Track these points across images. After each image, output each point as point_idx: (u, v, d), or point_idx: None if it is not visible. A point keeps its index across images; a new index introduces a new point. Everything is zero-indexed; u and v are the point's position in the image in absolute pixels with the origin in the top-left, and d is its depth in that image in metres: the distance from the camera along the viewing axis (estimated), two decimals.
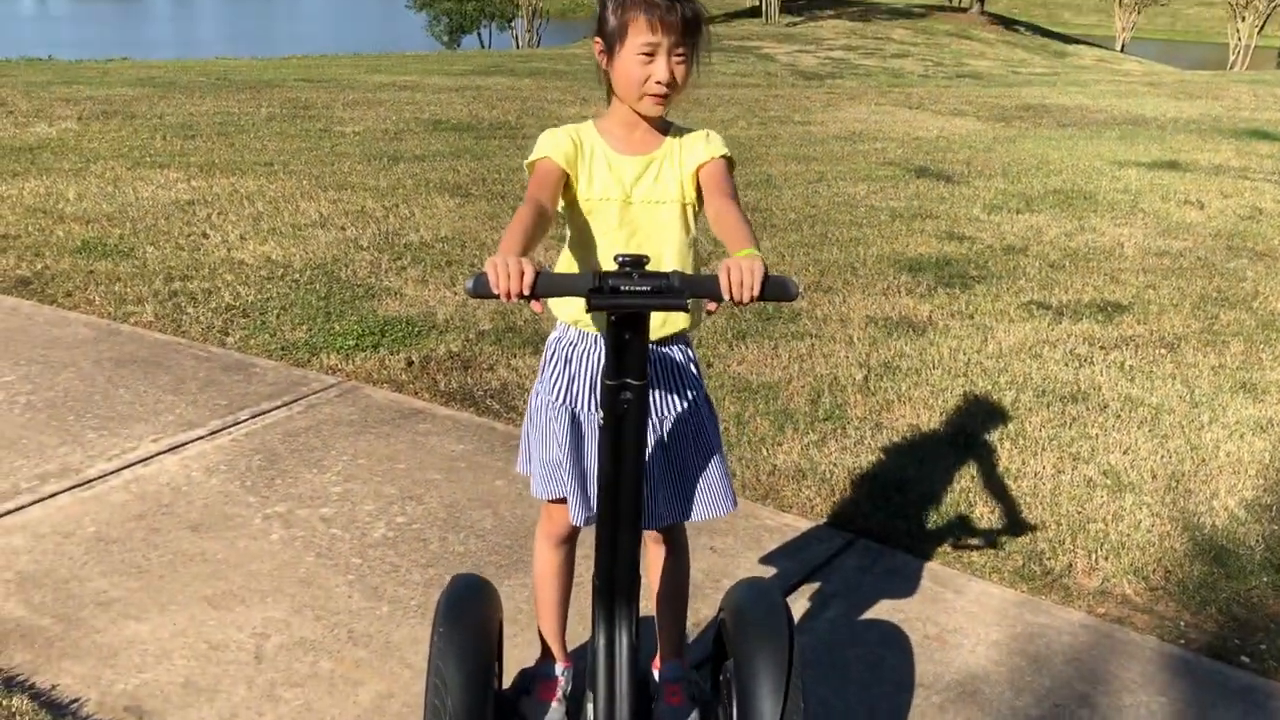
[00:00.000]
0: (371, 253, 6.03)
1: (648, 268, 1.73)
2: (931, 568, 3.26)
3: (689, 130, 2.12)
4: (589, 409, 2.12)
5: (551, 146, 2.04)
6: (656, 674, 2.39)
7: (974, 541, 3.38)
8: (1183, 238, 7.43)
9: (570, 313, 2.13)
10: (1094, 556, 3.30)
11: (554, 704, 2.31)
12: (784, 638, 2.01)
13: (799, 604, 3.06)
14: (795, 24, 30.27)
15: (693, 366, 2.20)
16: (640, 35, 1.94)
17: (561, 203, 2.06)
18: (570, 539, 2.32)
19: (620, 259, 1.73)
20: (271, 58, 19.93)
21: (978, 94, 17.43)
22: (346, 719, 2.54)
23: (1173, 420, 4.28)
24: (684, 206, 2.09)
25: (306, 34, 36.08)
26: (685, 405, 2.18)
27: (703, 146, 2.08)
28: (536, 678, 2.38)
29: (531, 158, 2.05)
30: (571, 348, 2.16)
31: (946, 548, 3.35)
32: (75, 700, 2.55)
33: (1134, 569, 3.25)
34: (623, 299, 1.70)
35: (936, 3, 43.72)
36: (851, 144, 11.04)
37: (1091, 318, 5.53)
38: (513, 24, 36.24)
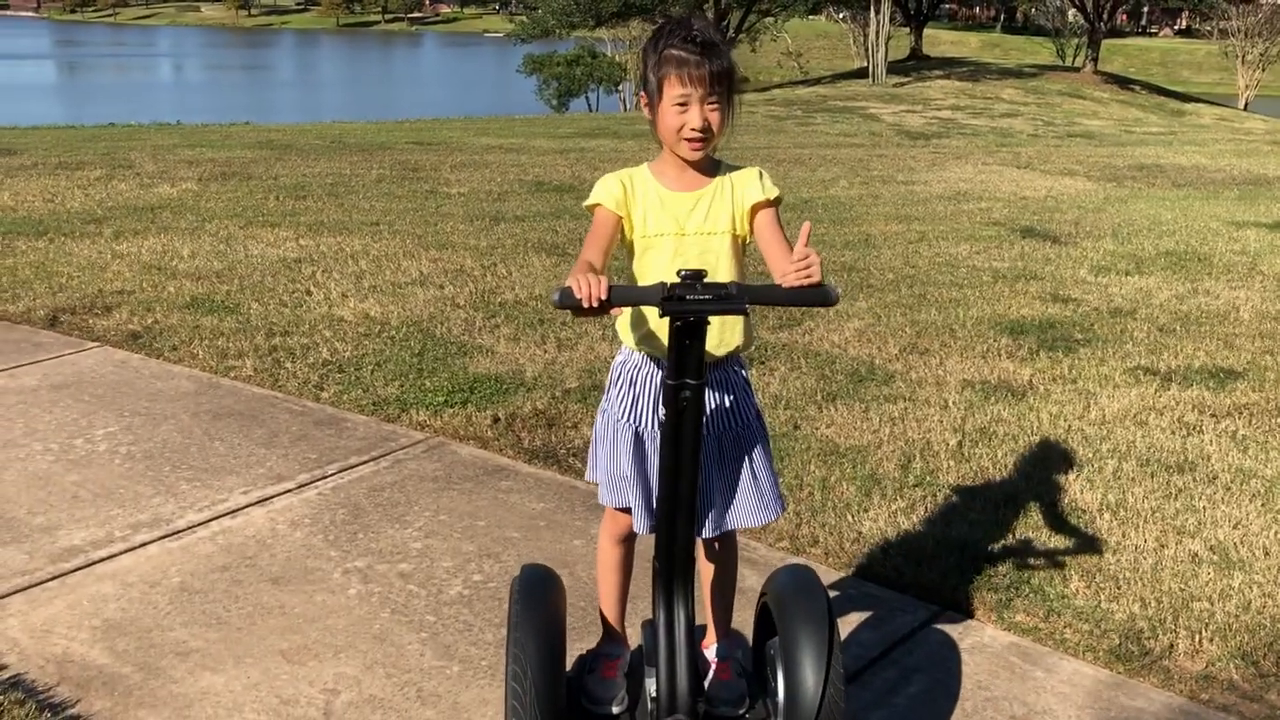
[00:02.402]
0: (467, 310, 6.11)
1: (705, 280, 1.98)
2: (1021, 644, 3.11)
3: (737, 167, 2.32)
4: (651, 427, 2.31)
5: (605, 193, 2.26)
6: (708, 652, 2.57)
7: (1068, 618, 3.22)
8: None
9: (635, 338, 2.33)
10: (1198, 638, 3.12)
11: (616, 679, 2.52)
12: (825, 616, 2.23)
13: (879, 677, 2.95)
14: (903, 84, 30.12)
15: (745, 384, 2.40)
16: (674, 89, 2.17)
17: (619, 241, 2.29)
18: (630, 538, 2.52)
19: (683, 274, 1.96)
20: (385, 121, 20.59)
21: (1089, 153, 17.07)
22: None
23: None
24: (735, 237, 2.29)
25: (424, 99, 37.24)
26: (740, 421, 2.37)
27: (758, 186, 2.28)
28: (600, 657, 2.59)
29: (589, 201, 2.28)
30: (636, 370, 2.35)
31: (1039, 624, 3.20)
32: None
33: (1242, 653, 3.06)
34: (690, 305, 1.94)
35: (1049, 62, 43.13)
36: (955, 204, 10.88)
37: (1202, 384, 5.30)
38: (619, 88, 36.88)
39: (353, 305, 6.16)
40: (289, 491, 3.93)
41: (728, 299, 1.96)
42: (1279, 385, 5.31)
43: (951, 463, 4.25)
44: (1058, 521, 3.79)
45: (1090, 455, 4.36)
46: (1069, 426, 4.66)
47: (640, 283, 2.24)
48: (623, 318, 2.31)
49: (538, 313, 6.11)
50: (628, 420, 2.34)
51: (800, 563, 2.61)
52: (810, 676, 2.15)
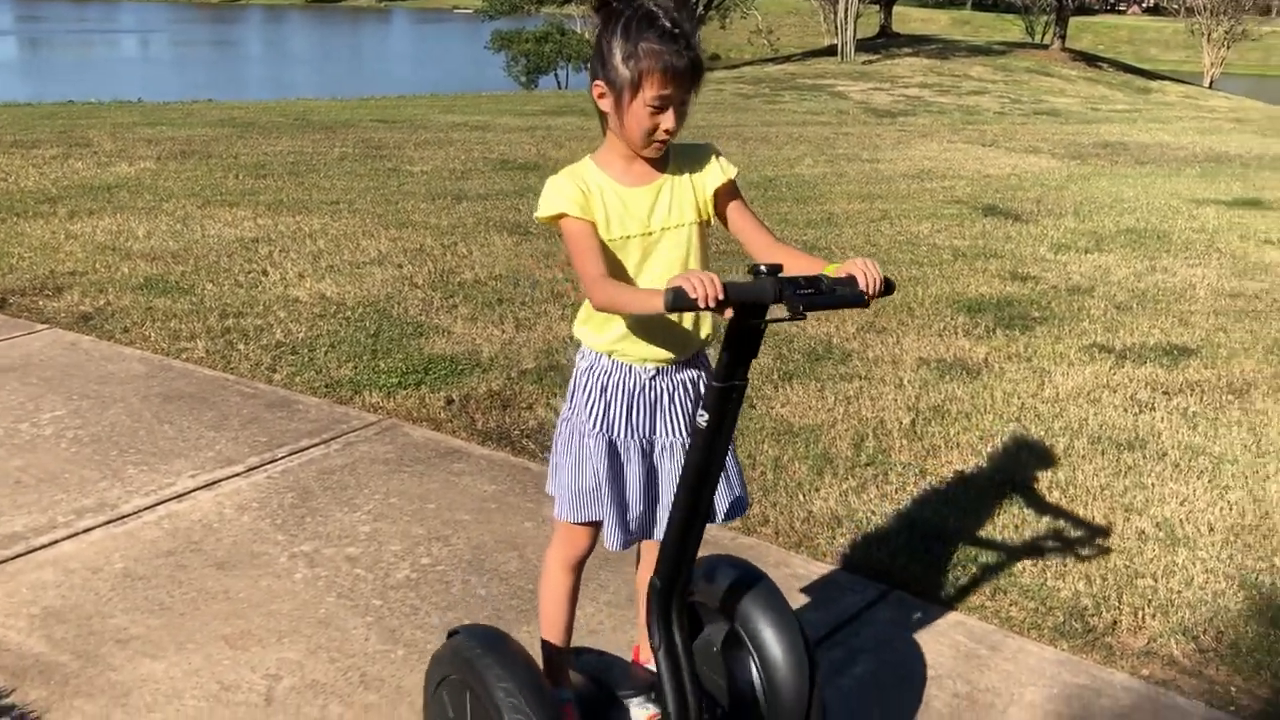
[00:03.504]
0: (425, 290, 6.07)
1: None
2: (968, 623, 3.13)
3: (682, 145, 2.15)
4: (625, 435, 2.18)
5: (566, 200, 2.05)
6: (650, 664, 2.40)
7: (1014, 596, 3.24)
8: (1260, 278, 7.16)
9: (605, 343, 2.17)
10: (1141, 614, 3.14)
11: None
12: (776, 591, 2.25)
13: (826, 658, 2.95)
14: (871, 62, 30.09)
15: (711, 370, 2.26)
16: (654, 89, 1.98)
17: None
18: (583, 563, 2.35)
19: (760, 268, 1.82)
20: (351, 98, 20.38)
21: (1054, 131, 17.14)
22: None
23: (1235, 470, 4.09)
24: (701, 225, 2.15)
25: (391, 76, 36.88)
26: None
27: (716, 168, 2.15)
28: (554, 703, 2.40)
29: (547, 212, 2.07)
30: (606, 377, 2.18)
31: (985, 602, 3.22)
32: None
33: (1183, 628, 3.09)
34: (824, 299, 1.83)
35: (1018, 39, 43.22)
36: (919, 182, 10.90)
37: (1156, 361, 5.33)
38: (589, 64, 36.61)
39: (309, 286, 6.10)
40: (238, 475, 3.89)
41: (853, 292, 1.86)
42: (1231, 362, 5.36)
43: (904, 441, 4.26)
44: (1007, 500, 3.81)
45: (1042, 433, 4.38)
46: (1022, 404, 4.69)
47: None
48: (592, 321, 2.17)
49: (497, 292, 6.08)
50: (599, 430, 2.17)
51: (722, 554, 2.50)
52: (790, 654, 2.18)
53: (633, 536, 2.24)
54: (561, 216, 2.06)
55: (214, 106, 17.22)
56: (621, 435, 2.17)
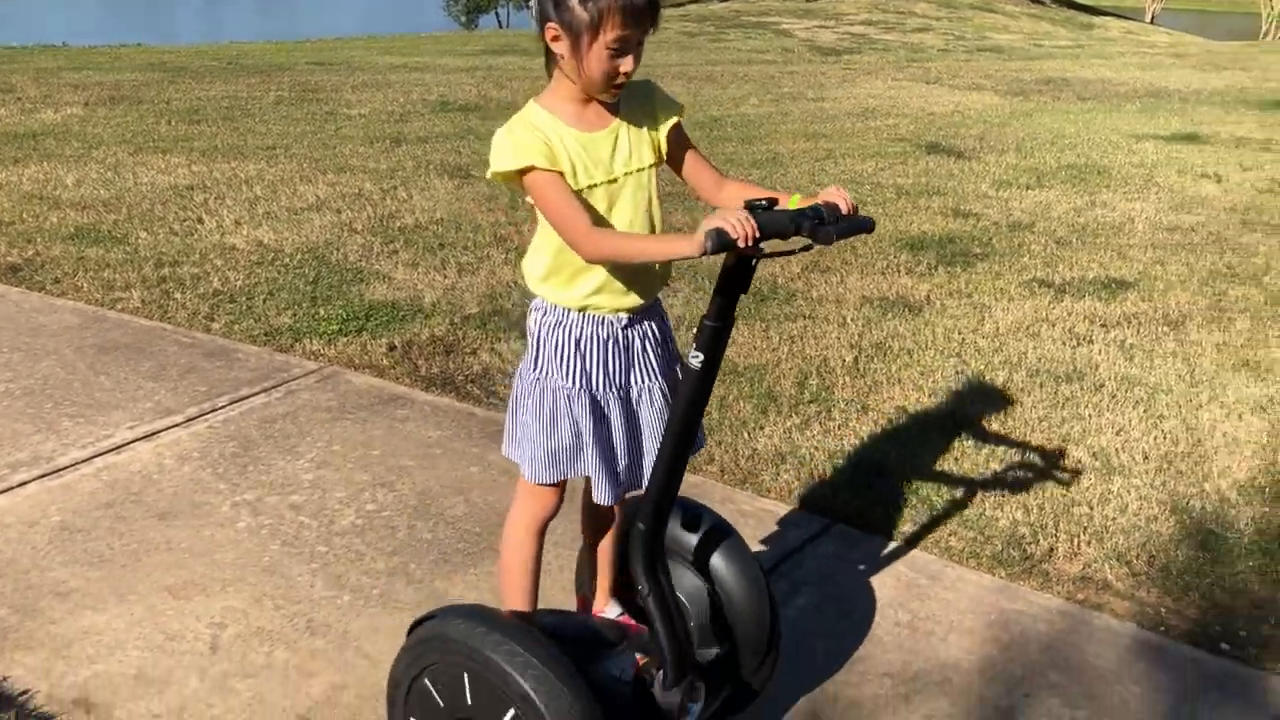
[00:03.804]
0: (364, 236, 5.99)
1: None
2: (909, 554, 3.18)
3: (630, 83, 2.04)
4: (604, 389, 2.11)
5: (533, 152, 1.93)
6: (609, 613, 2.42)
7: (954, 527, 3.30)
8: (1196, 212, 7.27)
9: (577, 298, 2.06)
10: (1076, 541, 3.21)
11: None
12: (729, 527, 2.30)
13: None
14: None
15: (667, 323, 2.23)
16: (614, 30, 1.87)
17: (528, 195, 1.99)
18: (548, 524, 2.28)
19: (757, 203, 1.79)
20: (285, 41, 19.91)
21: (998, 68, 17.18)
22: (297, 710, 2.50)
23: (1170, 400, 4.18)
24: (654, 167, 2.08)
25: (327, 18, 36.04)
26: (672, 367, 2.20)
27: (669, 104, 2.10)
28: None
29: (510, 165, 1.93)
30: (578, 330, 2.09)
31: (926, 533, 3.27)
32: (24, 692, 2.53)
33: (1117, 554, 3.16)
34: (842, 227, 1.81)
35: None
36: (864, 120, 10.90)
37: (1094, 295, 5.41)
38: (530, 3, 36.05)
39: (246, 233, 5.99)
40: (177, 425, 3.84)
41: (863, 217, 1.87)
42: (1167, 295, 5.45)
43: (847, 379, 4.30)
44: (947, 434, 3.87)
45: (982, 367, 4.44)
46: (963, 340, 4.74)
47: (557, 241, 2.01)
48: (558, 276, 2.06)
49: (438, 237, 6.01)
50: (579, 387, 2.09)
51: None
52: (752, 585, 2.25)
53: (622, 487, 2.18)
54: (529, 170, 1.93)
55: (143, 50, 16.76)
56: (601, 388, 2.10)
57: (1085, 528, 3.28)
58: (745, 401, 4.06)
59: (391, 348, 4.50)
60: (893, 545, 3.22)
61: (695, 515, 2.34)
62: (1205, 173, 8.54)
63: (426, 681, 2.09)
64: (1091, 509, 3.39)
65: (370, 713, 2.49)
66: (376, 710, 2.50)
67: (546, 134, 1.96)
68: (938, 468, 3.63)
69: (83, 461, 3.58)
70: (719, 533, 2.33)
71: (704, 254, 1.73)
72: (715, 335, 1.92)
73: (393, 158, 8.08)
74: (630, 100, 2.04)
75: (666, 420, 2.05)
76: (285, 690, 2.56)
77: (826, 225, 1.79)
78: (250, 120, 9.50)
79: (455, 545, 3.16)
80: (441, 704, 2.08)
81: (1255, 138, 10.44)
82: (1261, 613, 2.92)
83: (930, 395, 4.17)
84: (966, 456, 3.70)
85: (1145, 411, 4.07)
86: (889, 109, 11.79)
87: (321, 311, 4.87)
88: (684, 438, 2.02)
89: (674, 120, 2.09)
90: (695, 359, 1.94)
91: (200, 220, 6.21)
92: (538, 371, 2.13)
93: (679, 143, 2.10)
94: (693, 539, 2.30)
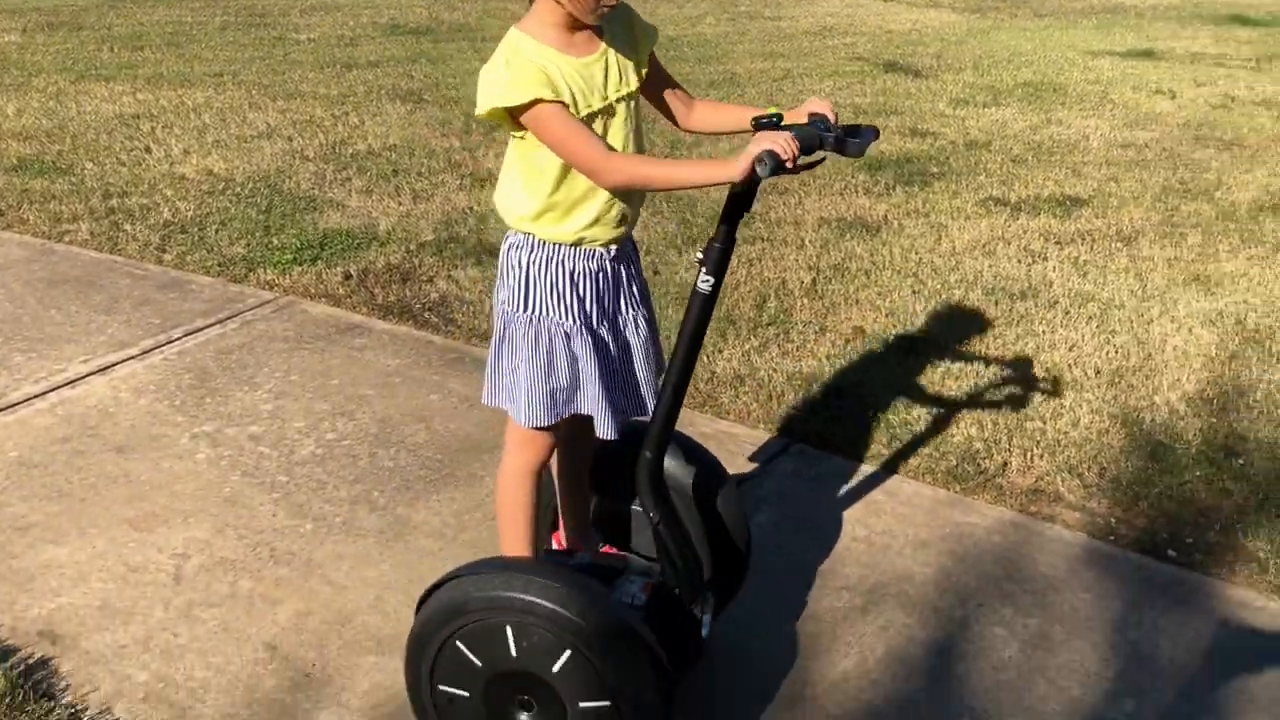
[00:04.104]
0: (316, 163, 5.89)
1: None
2: (866, 471, 3.23)
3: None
4: (598, 323, 2.07)
5: (535, 83, 1.85)
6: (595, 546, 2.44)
7: (911, 444, 3.35)
8: (1150, 128, 7.31)
9: (572, 232, 2.00)
10: (1030, 455, 3.28)
11: None
12: (700, 447, 2.37)
13: None
14: None
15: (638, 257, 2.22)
16: None
17: (518, 131, 1.94)
18: (543, 469, 2.22)
19: (764, 119, 1.81)
20: None
21: None
22: (263, 637, 2.52)
23: (1122, 315, 4.24)
24: (639, 90, 2.04)
25: None
26: (647, 294, 2.20)
27: (645, 27, 2.06)
28: None
29: (512, 101, 1.85)
30: (573, 265, 2.03)
31: (882, 450, 3.32)
32: None
33: (1069, 467, 3.23)
34: (864, 139, 1.84)
35: None
36: (821, 39, 10.80)
37: (1049, 212, 5.45)
38: None
39: (195, 162, 5.87)
40: (132, 359, 3.80)
41: (868, 125, 1.90)
42: (1120, 211, 5.50)
43: (805, 300, 4.32)
44: (904, 353, 3.91)
45: (939, 286, 4.47)
46: (920, 259, 4.77)
47: (552, 176, 1.95)
48: (552, 212, 1.99)
49: (392, 163, 5.93)
50: (578, 323, 2.04)
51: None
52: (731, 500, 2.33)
53: (621, 419, 2.14)
54: (533, 104, 1.85)
55: None
56: (595, 321, 2.07)
57: (1038, 442, 3.35)
58: None
59: (347, 276, 4.46)
60: (850, 463, 3.26)
61: (683, 446, 2.36)
62: (1160, 89, 8.57)
63: (459, 644, 2.01)
64: (1044, 423, 3.45)
65: (336, 637, 2.51)
66: (342, 635, 2.53)
67: (544, 64, 1.88)
68: (894, 387, 3.67)
69: (36, 396, 3.54)
70: (699, 459, 2.36)
71: (751, 179, 1.75)
72: (723, 257, 1.93)
73: (344, 83, 7.93)
74: (611, 24, 1.98)
75: (674, 346, 2.01)
76: (251, 618, 2.58)
77: (848, 138, 1.82)
78: (196, 46, 9.26)
79: (417, 472, 3.17)
80: (480, 663, 2.01)
81: (1209, 53, 10.47)
82: (1207, 520, 3.00)
83: (887, 315, 4.21)
84: (923, 375, 3.75)
85: (1098, 327, 4.13)
86: (847, 27, 11.69)
87: (275, 241, 4.80)
88: (689, 363, 2.02)
89: (655, 41, 2.06)
90: (706, 283, 1.94)
91: (148, 149, 6.08)
92: (530, 311, 2.05)
93: (655, 67, 2.07)
94: (675, 465, 2.31)
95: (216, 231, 4.91)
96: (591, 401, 2.10)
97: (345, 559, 2.79)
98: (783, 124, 1.83)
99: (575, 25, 1.93)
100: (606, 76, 1.95)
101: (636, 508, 2.30)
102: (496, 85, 1.87)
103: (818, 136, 1.81)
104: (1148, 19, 13.10)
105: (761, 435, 3.40)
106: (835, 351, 3.91)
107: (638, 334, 2.15)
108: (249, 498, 3.04)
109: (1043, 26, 12.20)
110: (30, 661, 2.42)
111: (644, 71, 2.03)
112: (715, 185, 1.85)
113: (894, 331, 4.07)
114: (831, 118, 1.91)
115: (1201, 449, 3.33)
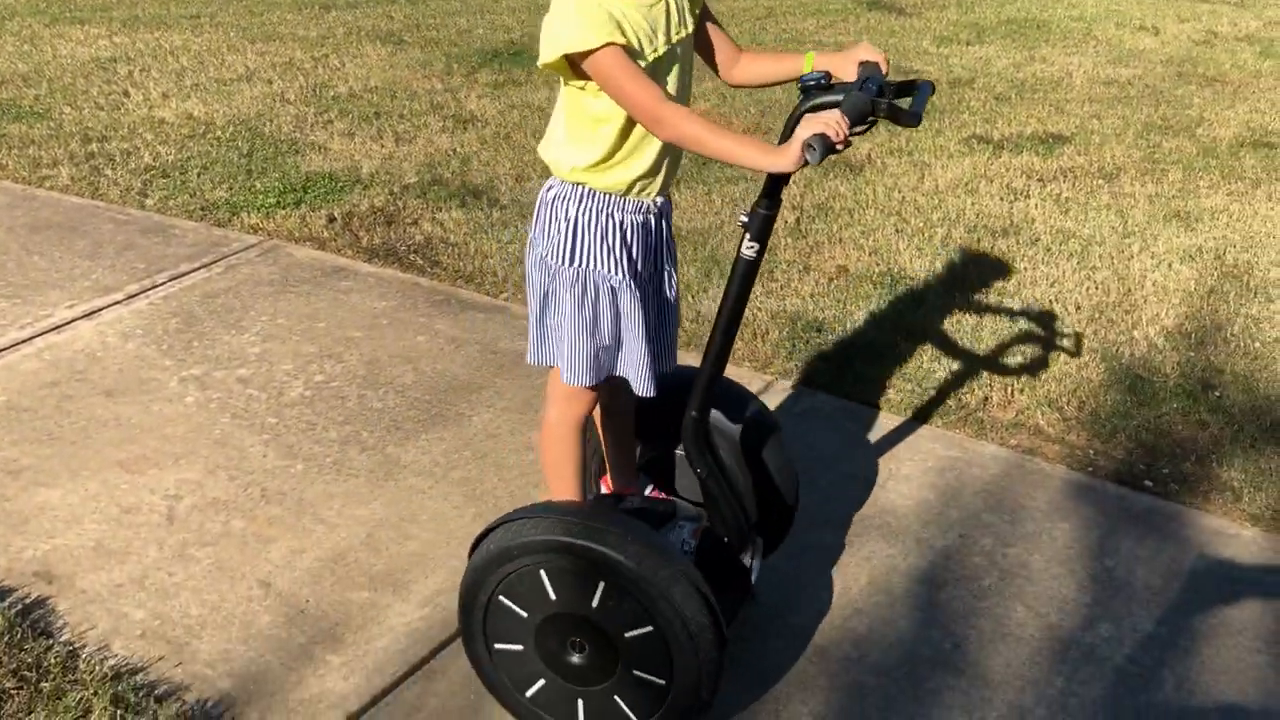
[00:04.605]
0: (298, 106, 5.85)
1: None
2: (849, 406, 3.27)
3: None
4: (645, 276, 2.03)
5: (606, 27, 1.77)
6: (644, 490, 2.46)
7: (894, 380, 3.39)
8: (1133, 65, 7.29)
9: (627, 180, 1.94)
10: (1010, 390, 3.32)
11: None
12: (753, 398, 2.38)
13: None
14: None
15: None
16: None
17: (578, 81, 1.86)
18: (588, 417, 2.21)
19: (812, 80, 1.79)
20: None
21: None
22: (257, 575, 2.56)
23: (1103, 251, 4.27)
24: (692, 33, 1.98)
25: None
26: (674, 253, 2.15)
27: None
28: None
29: (584, 45, 1.77)
30: (622, 216, 1.98)
31: (866, 387, 3.36)
32: None
33: (1049, 400, 3.28)
34: (919, 103, 1.80)
35: None
36: None
37: (1032, 150, 5.46)
38: None
39: (174, 105, 5.82)
40: (118, 303, 3.80)
41: (922, 80, 1.84)
42: (1103, 148, 5.51)
43: (789, 240, 4.33)
44: (886, 291, 3.94)
45: (921, 225, 4.49)
46: (903, 198, 4.78)
47: (614, 125, 1.88)
48: (614, 161, 1.93)
49: (373, 105, 5.88)
50: (627, 277, 1.98)
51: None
52: (784, 476, 2.36)
53: (658, 376, 2.10)
54: (601, 49, 1.77)
55: None
56: (642, 275, 2.02)
57: (1019, 376, 3.39)
58: (690, 265, 4.09)
59: (331, 220, 4.45)
60: (833, 400, 3.30)
61: (732, 397, 2.37)
62: (1143, 25, 8.53)
63: (502, 598, 2.02)
64: (1025, 358, 3.50)
65: (329, 574, 2.56)
66: (335, 571, 2.57)
67: (610, 7, 1.80)
68: (877, 325, 3.71)
69: (23, 342, 3.54)
70: (747, 408, 2.37)
71: (803, 166, 1.68)
72: (767, 224, 1.89)
73: (323, 24, 7.84)
74: None
75: (718, 311, 1.99)
76: (244, 556, 2.62)
77: (903, 109, 1.73)
78: None
79: (406, 413, 3.20)
80: (525, 614, 2.02)
81: None
82: (1183, 451, 3.06)
83: (871, 254, 4.23)
84: (906, 313, 3.78)
85: (1079, 264, 4.16)
86: None
87: (258, 184, 4.78)
88: (732, 329, 2.01)
89: None
90: (750, 249, 1.90)
91: (126, 93, 6.02)
92: (577, 264, 1.97)
93: (705, 13, 2.01)
94: (723, 415, 2.32)
95: (198, 176, 4.88)
96: (633, 360, 2.06)
97: (336, 498, 2.83)
98: (831, 84, 1.75)
99: None
100: (667, 16, 1.88)
101: (681, 452, 2.27)
102: (566, 30, 1.78)
103: (870, 104, 1.72)
104: None
105: (746, 373, 3.43)
106: (819, 290, 3.93)
107: (671, 291, 2.12)
108: (239, 439, 3.06)
109: None
110: (27, 601, 2.45)
111: (698, 13, 1.98)
112: (763, 170, 1.77)
113: (877, 270, 4.10)
114: (884, 68, 1.83)
115: (1179, 382, 3.38)
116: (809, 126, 1.67)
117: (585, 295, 1.99)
